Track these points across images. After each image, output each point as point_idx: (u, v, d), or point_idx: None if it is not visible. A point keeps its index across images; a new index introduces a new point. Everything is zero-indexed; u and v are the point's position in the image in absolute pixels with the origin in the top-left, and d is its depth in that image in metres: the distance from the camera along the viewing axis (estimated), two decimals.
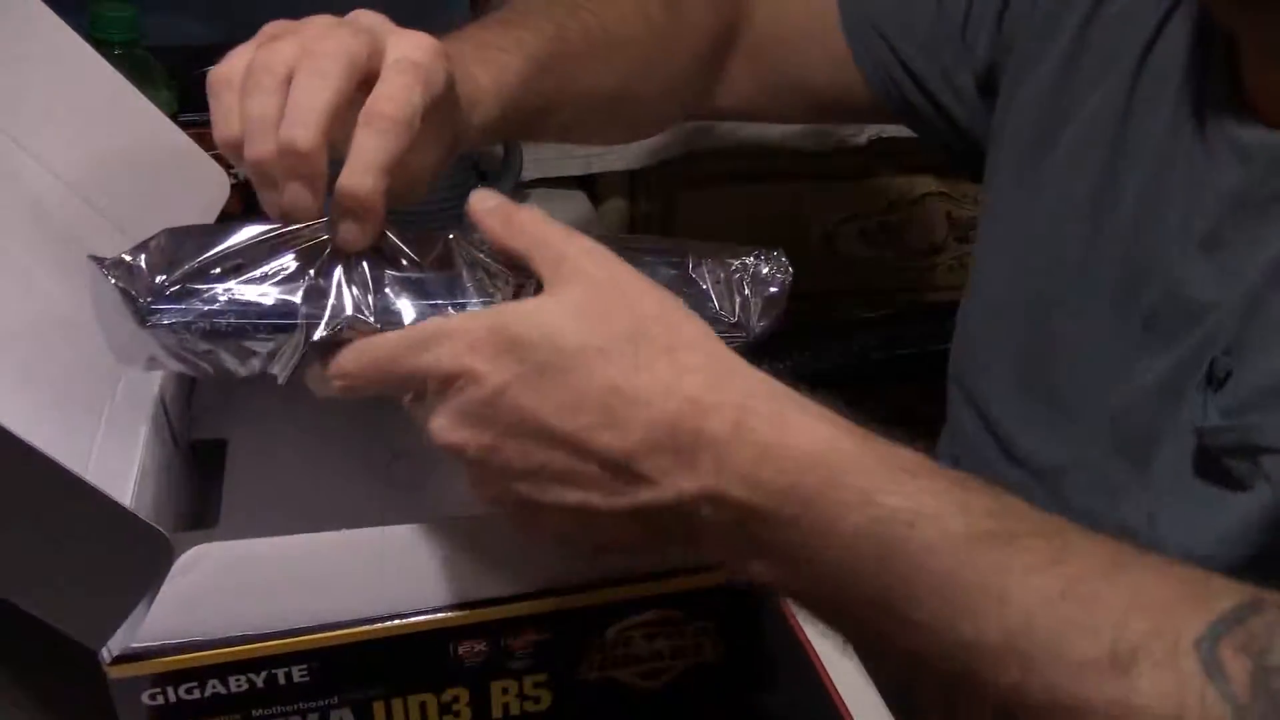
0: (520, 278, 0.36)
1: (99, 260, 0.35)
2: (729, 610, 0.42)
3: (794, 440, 0.31)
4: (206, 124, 0.67)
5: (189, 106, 0.66)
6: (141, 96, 0.53)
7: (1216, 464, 0.42)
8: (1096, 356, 0.49)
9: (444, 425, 0.33)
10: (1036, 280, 0.52)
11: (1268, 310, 0.42)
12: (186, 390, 0.53)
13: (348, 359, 0.35)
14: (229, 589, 0.36)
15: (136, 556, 0.35)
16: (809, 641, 0.47)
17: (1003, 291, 0.55)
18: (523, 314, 0.33)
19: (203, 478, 0.50)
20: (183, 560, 0.35)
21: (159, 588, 0.35)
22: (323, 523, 0.45)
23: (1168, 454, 0.46)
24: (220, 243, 0.36)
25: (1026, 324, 0.53)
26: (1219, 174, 0.44)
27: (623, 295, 0.33)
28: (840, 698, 0.45)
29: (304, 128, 0.35)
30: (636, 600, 0.40)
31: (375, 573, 0.38)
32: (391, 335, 0.35)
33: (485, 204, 0.36)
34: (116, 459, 0.41)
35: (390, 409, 0.54)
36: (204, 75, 0.72)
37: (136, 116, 0.53)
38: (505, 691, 0.40)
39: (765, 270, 0.40)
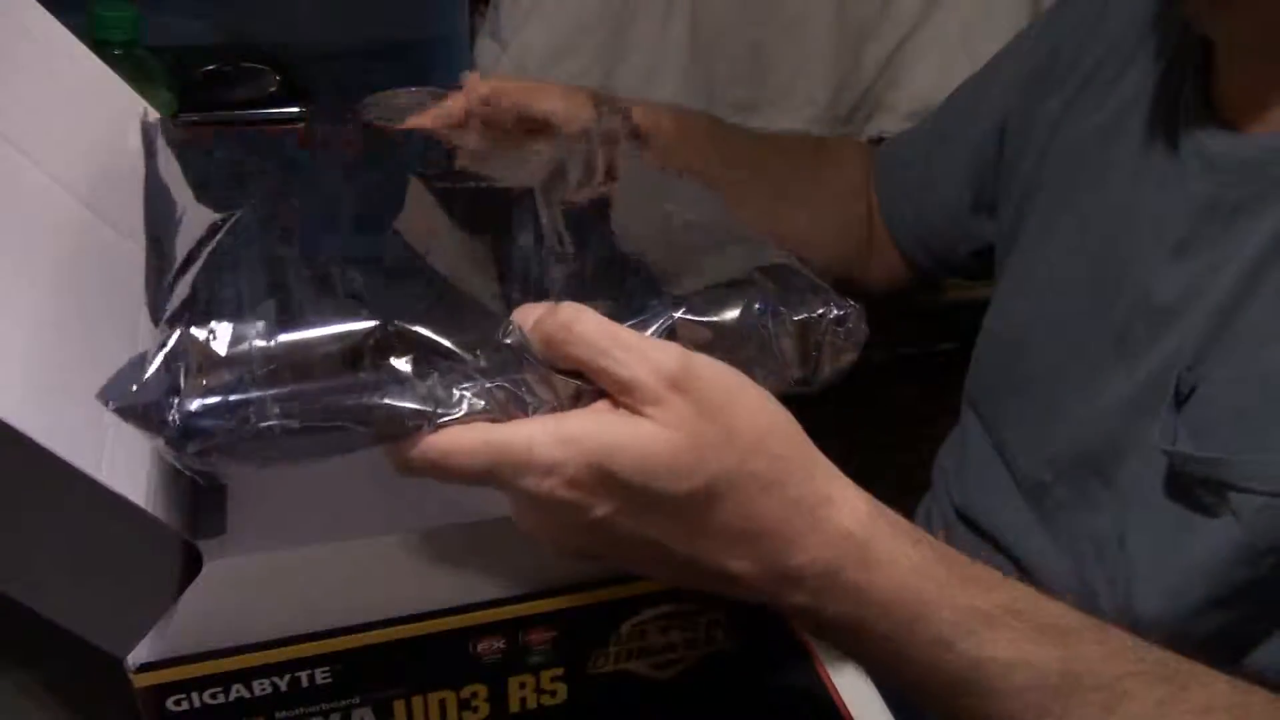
0: (580, 381, 0.34)
1: (104, 399, 0.31)
2: (739, 600, 0.42)
3: (881, 583, 0.34)
4: (205, 124, 0.68)
5: (188, 106, 0.66)
6: (136, 96, 0.53)
7: (1187, 489, 0.43)
8: (1073, 370, 0.51)
9: (538, 532, 0.35)
10: (1030, 304, 0.54)
11: (1233, 324, 0.43)
12: None
13: (421, 461, 0.33)
14: (250, 599, 0.37)
15: (163, 565, 0.35)
16: (804, 634, 0.48)
17: (1005, 319, 0.57)
18: (618, 449, 0.32)
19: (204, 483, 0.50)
20: (203, 573, 0.36)
21: (182, 597, 0.36)
22: (332, 523, 0.45)
23: (1134, 469, 0.47)
24: (249, 336, 0.31)
25: (1022, 347, 0.54)
26: (1189, 181, 0.45)
27: (719, 426, 0.33)
28: (833, 684, 0.46)
29: None
30: (651, 595, 0.41)
31: (393, 578, 0.38)
32: (474, 444, 0.32)
33: (532, 318, 0.34)
34: (126, 465, 0.42)
35: None
36: (204, 75, 0.73)
37: (132, 116, 0.53)
38: (523, 686, 0.41)
39: (839, 321, 0.38)
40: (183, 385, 0.31)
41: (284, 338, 0.31)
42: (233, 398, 0.30)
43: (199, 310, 0.32)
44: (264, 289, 0.33)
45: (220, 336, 0.31)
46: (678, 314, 0.35)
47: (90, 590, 0.35)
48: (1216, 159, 0.45)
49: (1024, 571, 0.53)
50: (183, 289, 0.34)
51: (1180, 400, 0.43)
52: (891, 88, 0.92)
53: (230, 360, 0.31)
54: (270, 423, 0.30)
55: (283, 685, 0.37)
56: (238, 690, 0.37)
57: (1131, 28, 0.51)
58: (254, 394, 0.31)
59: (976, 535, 0.57)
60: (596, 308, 0.33)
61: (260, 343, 0.31)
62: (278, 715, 0.38)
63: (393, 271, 0.35)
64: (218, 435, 0.30)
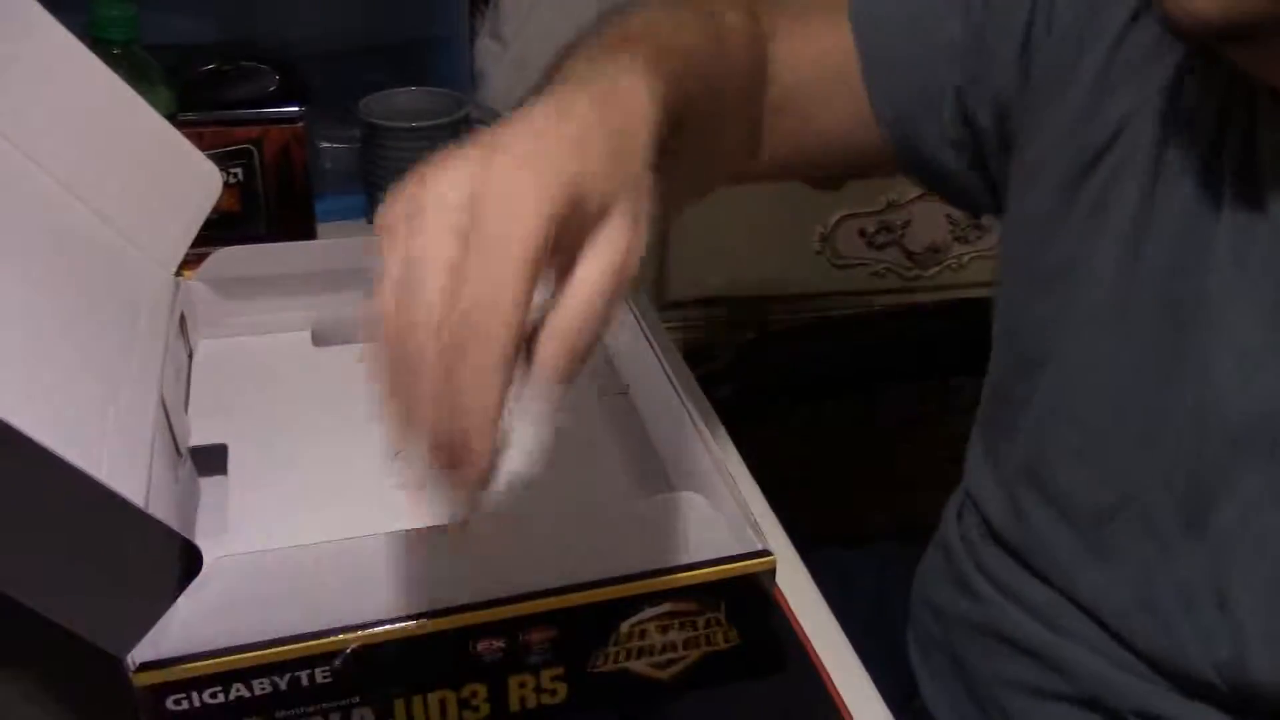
0: None
1: None
2: (739, 600, 0.42)
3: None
4: (205, 123, 0.68)
5: (187, 106, 0.66)
6: (135, 94, 0.53)
7: None
8: (1140, 387, 0.46)
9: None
10: (1071, 307, 0.49)
11: None
12: (185, 393, 0.53)
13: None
14: (249, 598, 0.37)
15: (163, 564, 0.35)
16: (805, 634, 0.48)
17: (1035, 320, 0.51)
18: None
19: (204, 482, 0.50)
20: (203, 572, 0.36)
21: (183, 595, 0.35)
22: (330, 524, 0.45)
23: (1234, 520, 0.43)
24: None
25: (1058, 350, 0.49)
26: (1274, 211, 0.42)
27: None
28: (834, 685, 0.46)
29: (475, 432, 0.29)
30: (650, 594, 0.41)
31: (393, 576, 0.38)
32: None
33: None
34: (126, 464, 0.42)
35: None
36: (203, 75, 0.73)
37: (130, 115, 0.53)
38: (522, 686, 0.41)
39: None
40: None
41: None
42: None
43: None
44: None
45: None
46: None
47: (90, 589, 0.35)
48: None
49: (1080, 606, 0.49)
50: None
51: None
52: None
53: None
54: None
55: (283, 685, 0.37)
56: (238, 689, 0.37)
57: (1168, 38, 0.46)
58: None
59: (1013, 559, 0.53)
60: None
61: None
62: (278, 715, 0.38)
63: None
64: None
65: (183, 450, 0.49)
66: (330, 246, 0.62)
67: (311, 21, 0.81)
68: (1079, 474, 0.49)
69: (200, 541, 0.38)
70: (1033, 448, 0.51)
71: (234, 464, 0.50)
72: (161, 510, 0.41)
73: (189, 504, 0.48)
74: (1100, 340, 0.48)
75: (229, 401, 0.54)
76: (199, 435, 0.51)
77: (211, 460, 0.50)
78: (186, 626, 0.36)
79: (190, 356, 0.57)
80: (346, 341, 0.59)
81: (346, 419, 0.52)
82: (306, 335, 0.59)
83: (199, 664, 0.36)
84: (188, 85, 0.67)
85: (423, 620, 0.38)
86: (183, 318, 0.55)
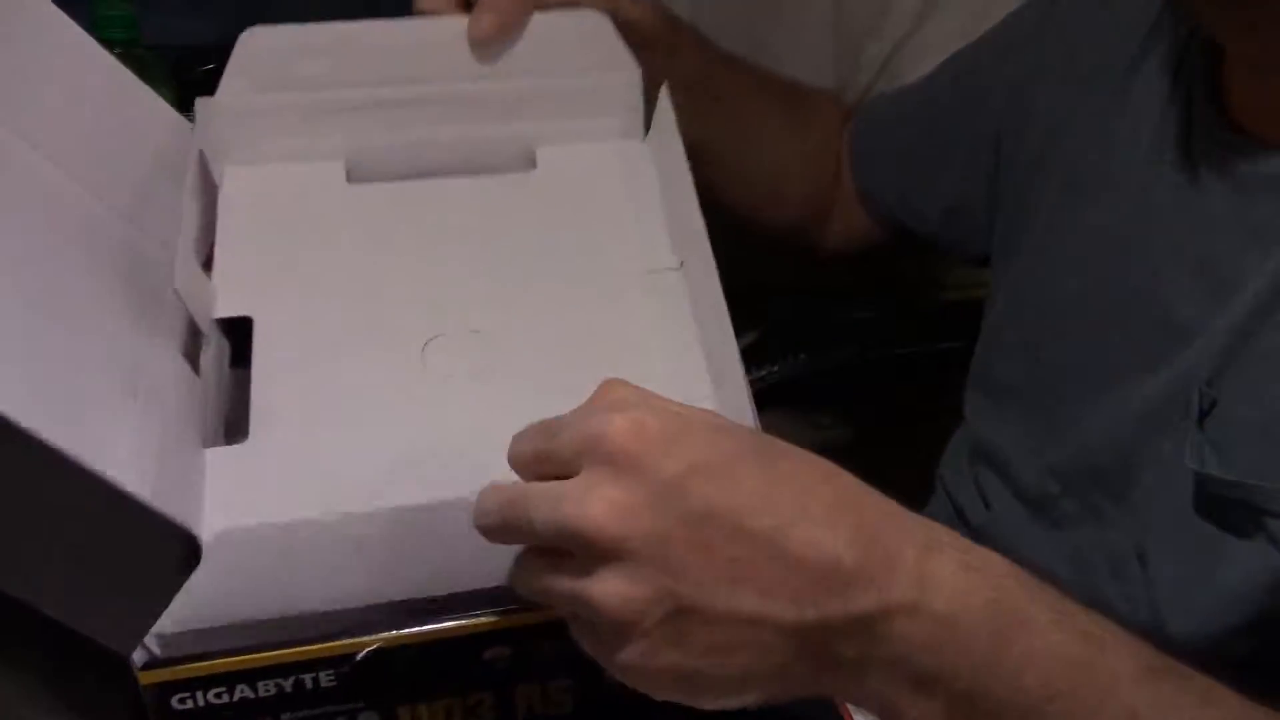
0: None
1: None
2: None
3: (987, 559, 0.32)
4: None
5: (188, 106, 0.66)
6: (144, 86, 0.53)
7: (1217, 510, 0.42)
8: (1080, 382, 0.50)
9: (601, 509, 0.30)
10: (1035, 313, 0.53)
11: (1253, 343, 0.42)
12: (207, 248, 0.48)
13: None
14: (251, 575, 0.36)
15: (165, 558, 0.35)
16: None
17: (1007, 327, 0.56)
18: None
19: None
20: (212, 542, 0.35)
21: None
22: (355, 425, 0.41)
23: (1151, 486, 0.46)
24: None
25: (1027, 357, 0.53)
26: (1209, 198, 0.44)
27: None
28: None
29: None
30: None
31: (398, 555, 0.38)
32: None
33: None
34: (131, 459, 0.41)
35: (419, 296, 0.46)
36: (203, 74, 0.72)
37: (140, 107, 0.53)
38: (529, 695, 0.40)
39: None
40: None
41: None
42: None
43: None
44: None
45: None
46: None
47: (95, 587, 0.34)
48: (1242, 177, 0.43)
49: None
50: None
51: (1200, 416, 0.42)
52: (891, 87, 0.93)
53: None
54: None
55: (288, 687, 0.37)
56: (243, 690, 0.36)
57: (1133, 30, 0.50)
58: None
59: (974, 539, 0.57)
60: None
61: None
62: (282, 716, 0.37)
63: None
64: None
65: (205, 329, 0.44)
66: (387, 27, 0.54)
67: (310, 22, 0.80)
68: (1034, 462, 0.53)
69: (215, 455, 0.38)
70: (986, 434, 0.56)
71: (259, 350, 0.44)
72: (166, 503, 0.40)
73: (212, 405, 0.44)
74: (1056, 342, 0.52)
75: (255, 255, 0.48)
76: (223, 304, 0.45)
77: (237, 335, 0.45)
78: (194, 604, 0.36)
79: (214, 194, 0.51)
80: (386, 179, 0.50)
81: (377, 302, 0.45)
82: (340, 166, 0.51)
83: (204, 664, 0.36)
84: (188, 85, 0.67)
85: (430, 626, 0.38)
86: (201, 154, 0.50)
